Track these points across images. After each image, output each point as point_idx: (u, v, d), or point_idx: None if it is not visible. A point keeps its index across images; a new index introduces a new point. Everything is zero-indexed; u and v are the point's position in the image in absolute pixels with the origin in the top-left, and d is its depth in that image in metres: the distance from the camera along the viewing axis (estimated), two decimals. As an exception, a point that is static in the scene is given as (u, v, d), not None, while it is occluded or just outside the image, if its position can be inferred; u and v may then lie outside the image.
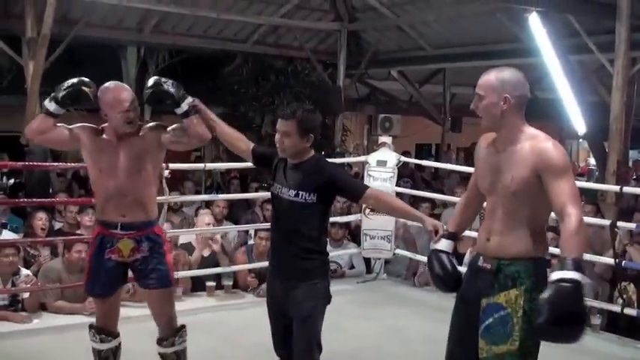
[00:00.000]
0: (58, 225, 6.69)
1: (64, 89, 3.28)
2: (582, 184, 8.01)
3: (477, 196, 2.96)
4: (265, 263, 3.52)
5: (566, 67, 7.69)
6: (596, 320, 5.14)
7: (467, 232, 3.15)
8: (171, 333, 3.51)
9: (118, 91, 3.35)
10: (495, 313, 2.65)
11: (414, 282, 6.40)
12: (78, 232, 6.03)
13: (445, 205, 7.68)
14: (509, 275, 2.66)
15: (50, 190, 8.34)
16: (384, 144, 6.69)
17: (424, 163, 8.15)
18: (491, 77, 2.69)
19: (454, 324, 2.89)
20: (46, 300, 5.08)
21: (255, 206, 7.89)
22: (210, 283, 5.76)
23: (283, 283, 3.20)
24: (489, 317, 2.67)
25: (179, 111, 3.33)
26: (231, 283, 5.87)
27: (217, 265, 5.95)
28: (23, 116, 7.08)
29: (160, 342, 3.52)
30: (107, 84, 3.37)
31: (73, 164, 5.64)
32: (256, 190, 7.99)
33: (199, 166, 6.26)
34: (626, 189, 5.67)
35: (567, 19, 7.48)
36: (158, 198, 5.15)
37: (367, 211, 6.41)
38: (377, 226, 6.40)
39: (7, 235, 6.05)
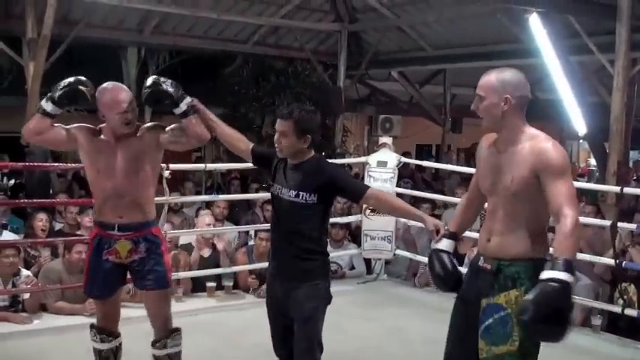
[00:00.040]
0: (58, 226, 6.69)
1: (61, 89, 3.25)
2: (583, 184, 8.05)
3: (479, 197, 2.95)
4: (266, 264, 3.52)
5: (566, 67, 7.69)
6: (596, 321, 5.14)
7: (467, 233, 3.15)
8: (165, 334, 3.48)
9: (115, 92, 3.32)
10: (495, 313, 2.65)
11: (414, 283, 6.40)
12: (78, 232, 6.03)
13: (446, 205, 7.69)
14: (509, 276, 2.66)
15: (50, 191, 8.35)
16: (384, 145, 6.69)
17: (424, 163, 8.14)
18: (491, 78, 2.69)
19: (453, 324, 2.89)
20: (46, 301, 5.08)
21: (256, 207, 7.90)
22: (211, 284, 5.76)
23: (284, 284, 3.19)
24: (489, 318, 2.67)
25: (177, 111, 3.31)
26: (231, 283, 5.87)
27: (218, 265, 5.95)
28: (24, 117, 7.04)
29: (153, 344, 3.50)
30: (105, 84, 3.34)
31: (73, 165, 5.64)
32: (257, 191, 7.99)
33: (200, 166, 6.26)
34: (627, 190, 5.67)
35: (568, 20, 7.49)
36: (158, 199, 5.18)
37: (367, 211, 6.41)
38: (377, 226, 6.40)
39: (8, 235, 6.05)
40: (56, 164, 6.35)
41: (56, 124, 3.34)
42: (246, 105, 10.65)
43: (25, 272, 5.10)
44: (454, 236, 3.03)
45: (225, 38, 10.37)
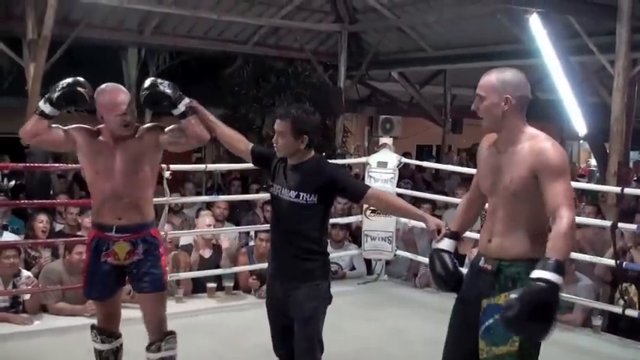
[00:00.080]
0: (59, 226, 6.70)
1: (59, 90, 3.22)
2: (583, 185, 8.06)
3: (479, 197, 2.95)
4: (266, 265, 3.52)
5: (566, 68, 7.69)
6: (597, 321, 5.14)
7: (467, 234, 3.15)
8: (159, 337, 3.44)
9: (114, 94, 3.29)
10: (496, 314, 2.64)
11: (414, 283, 6.39)
12: (79, 233, 6.03)
13: (447, 206, 7.68)
14: (509, 276, 2.66)
15: (51, 192, 8.36)
16: (384, 145, 6.70)
17: (425, 164, 8.15)
18: (492, 78, 2.69)
19: (452, 324, 2.89)
20: (46, 301, 5.08)
21: (256, 207, 7.90)
22: (211, 285, 5.76)
23: (284, 284, 3.19)
24: (490, 318, 2.67)
25: (176, 112, 3.28)
26: (232, 284, 5.87)
27: (218, 266, 5.95)
28: (24, 118, 7.06)
29: (148, 347, 3.47)
30: (103, 86, 3.32)
31: (73, 165, 5.64)
32: (257, 192, 7.99)
33: (200, 167, 6.27)
34: (627, 190, 5.66)
35: (568, 20, 7.49)
36: (159, 199, 5.19)
37: (368, 212, 6.41)
38: (378, 227, 6.40)
39: (8, 236, 6.06)
40: (57, 165, 6.35)
41: (54, 125, 3.31)
42: (246, 106, 10.65)
43: (25, 273, 5.11)
44: (455, 236, 3.03)
45: (226, 39, 10.37)
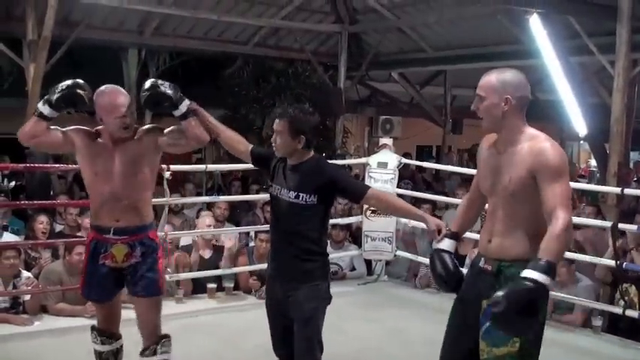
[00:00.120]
0: (59, 227, 6.70)
1: (59, 92, 3.19)
2: (583, 185, 8.06)
3: (480, 198, 2.95)
4: (266, 265, 3.51)
5: (566, 68, 7.68)
6: (597, 322, 5.14)
7: (468, 234, 3.15)
8: (154, 341, 3.41)
9: (114, 96, 3.27)
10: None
11: (415, 284, 6.40)
12: (79, 234, 6.04)
13: (447, 206, 7.68)
14: (509, 277, 2.65)
15: (51, 192, 8.36)
16: (384, 146, 6.70)
17: (425, 164, 8.15)
18: (492, 78, 2.70)
19: (451, 324, 2.90)
20: (47, 302, 5.08)
21: (256, 208, 7.90)
22: (211, 285, 5.76)
23: (283, 285, 3.19)
24: (490, 319, 2.67)
25: (177, 113, 3.26)
26: (232, 285, 5.87)
27: (218, 267, 5.95)
28: (24, 118, 7.06)
29: (142, 352, 3.43)
30: (103, 88, 3.29)
31: (74, 166, 5.64)
32: (257, 192, 8.00)
33: (200, 167, 6.27)
34: (627, 191, 5.66)
35: (568, 21, 7.48)
36: (159, 200, 5.19)
37: (368, 212, 6.41)
38: (378, 227, 6.40)
39: (8, 237, 6.06)
40: (57, 165, 6.36)
41: (52, 127, 3.29)
42: (246, 106, 10.65)
43: (25, 274, 5.11)
44: (456, 236, 3.03)
45: (226, 40, 10.37)
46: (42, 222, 5.90)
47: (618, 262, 4.96)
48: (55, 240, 5.94)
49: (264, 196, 6.75)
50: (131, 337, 3.73)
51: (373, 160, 6.56)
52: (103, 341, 3.53)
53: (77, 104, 3.24)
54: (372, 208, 6.22)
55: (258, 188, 8.31)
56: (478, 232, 3.02)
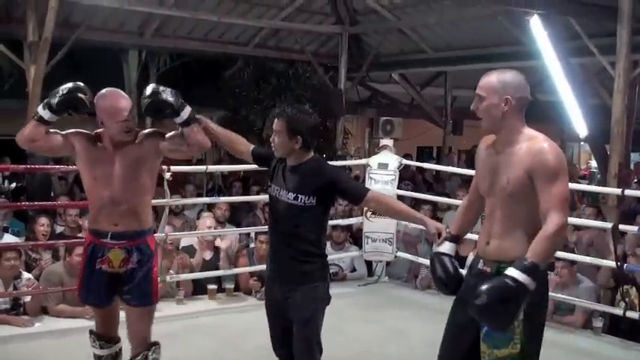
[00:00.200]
0: (59, 228, 6.70)
1: (59, 95, 3.15)
2: (584, 186, 8.06)
3: (479, 199, 2.95)
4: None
5: (567, 69, 7.68)
6: (598, 323, 5.14)
7: (468, 235, 3.15)
8: (144, 348, 3.36)
9: (116, 100, 3.23)
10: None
11: (415, 285, 6.39)
12: (79, 235, 6.03)
13: (449, 207, 7.68)
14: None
15: (52, 194, 8.36)
16: (385, 147, 6.70)
17: (425, 165, 8.15)
18: (492, 79, 2.70)
19: (450, 324, 2.90)
20: (47, 303, 5.08)
21: (257, 209, 7.90)
22: (212, 286, 5.76)
23: (282, 286, 3.19)
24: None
25: (178, 120, 3.21)
26: (232, 286, 5.87)
27: (219, 268, 5.95)
28: (25, 120, 7.08)
29: (132, 359, 3.39)
30: (104, 91, 3.26)
31: (74, 167, 5.64)
32: (257, 193, 8.00)
33: (201, 168, 6.28)
34: (628, 192, 5.67)
35: (568, 22, 7.48)
36: (160, 201, 5.19)
37: (369, 213, 6.41)
38: (378, 228, 6.40)
39: (9, 238, 6.07)
40: (57, 167, 6.36)
41: (52, 130, 3.25)
42: (247, 107, 10.65)
43: (26, 275, 5.11)
44: (456, 239, 3.03)
45: (226, 41, 10.37)
46: (42, 224, 5.90)
47: (619, 263, 4.96)
48: (56, 241, 5.93)
49: (265, 197, 6.76)
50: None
51: (374, 161, 6.56)
52: (101, 345, 3.50)
53: (78, 108, 3.20)
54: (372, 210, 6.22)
55: (258, 189, 8.31)
56: (479, 233, 3.02)
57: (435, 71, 12.04)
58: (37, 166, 6.42)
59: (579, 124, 7.92)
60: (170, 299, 5.54)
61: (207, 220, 6.24)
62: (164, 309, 5.11)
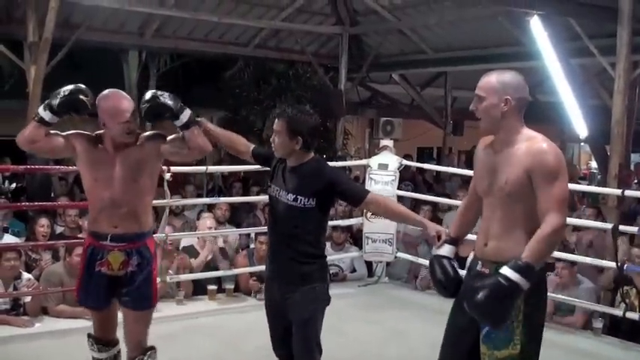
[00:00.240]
0: (59, 229, 6.70)
1: (60, 97, 3.13)
2: (584, 187, 8.06)
3: (478, 200, 2.94)
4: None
5: (567, 70, 7.68)
6: (598, 324, 5.14)
7: (469, 236, 3.15)
8: (139, 352, 3.35)
9: (118, 101, 3.22)
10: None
11: (415, 285, 6.39)
12: (79, 235, 6.03)
13: (450, 208, 7.68)
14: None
15: (52, 194, 8.36)
16: (385, 147, 6.70)
17: (426, 166, 8.16)
18: (492, 79, 2.70)
19: (450, 326, 2.91)
20: (47, 304, 5.08)
21: (257, 209, 7.91)
22: (212, 287, 5.76)
23: (282, 287, 3.19)
24: (492, 326, 2.67)
25: (178, 123, 3.20)
26: (232, 286, 5.87)
27: (218, 268, 5.95)
28: (25, 120, 7.09)
29: None
30: (106, 92, 3.24)
31: (74, 168, 5.65)
32: (257, 194, 8.00)
33: (201, 168, 6.28)
34: (628, 192, 5.67)
35: (569, 23, 7.48)
36: (160, 201, 5.19)
37: (369, 214, 6.41)
38: (378, 229, 6.40)
39: (9, 239, 6.07)
40: (57, 167, 6.35)
41: (52, 131, 3.24)
42: (247, 108, 10.65)
43: (26, 275, 5.11)
44: (455, 241, 3.03)
45: (226, 41, 10.36)
46: (43, 225, 5.90)
47: (619, 264, 4.96)
48: (56, 242, 5.94)
49: (265, 198, 6.76)
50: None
51: (374, 161, 6.56)
52: (99, 349, 3.48)
53: (79, 110, 3.18)
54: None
55: (258, 190, 8.32)
56: (477, 233, 3.02)
57: (435, 72, 12.03)
58: (37, 167, 6.41)
59: (579, 124, 7.92)
60: (170, 300, 5.54)
61: (207, 220, 6.25)
62: (164, 309, 5.11)
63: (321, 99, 10.37)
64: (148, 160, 3.31)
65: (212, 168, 8.09)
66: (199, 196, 8.70)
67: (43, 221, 5.94)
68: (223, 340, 4.87)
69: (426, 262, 5.47)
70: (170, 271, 5.53)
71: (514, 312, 2.61)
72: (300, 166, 3.17)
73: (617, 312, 5.02)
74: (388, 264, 6.68)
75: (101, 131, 3.29)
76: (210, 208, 7.26)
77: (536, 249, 2.54)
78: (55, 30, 7.57)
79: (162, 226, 5.53)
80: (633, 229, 5.24)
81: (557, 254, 5.18)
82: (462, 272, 3.03)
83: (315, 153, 3.24)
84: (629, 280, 5.27)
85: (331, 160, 7.21)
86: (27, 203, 7.44)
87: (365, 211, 6.35)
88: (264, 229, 6.04)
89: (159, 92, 3.22)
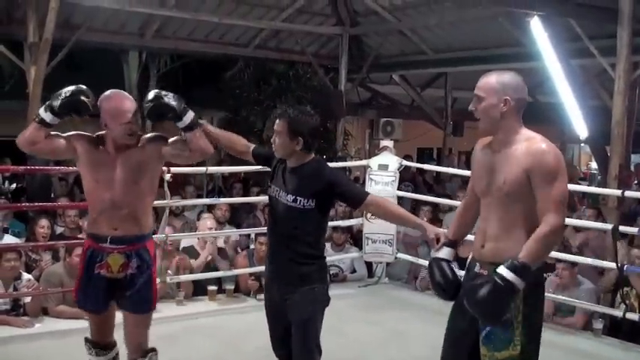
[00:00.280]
0: (59, 229, 6.70)
1: (62, 98, 3.10)
2: (584, 188, 8.05)
3: (476, 201, 2.94)
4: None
5: (567, 71, 7.68)
6: (598, 325, 5.14)
7: (469, 236, 3.14)
8: (139, 355, 3.33)
9: (120, 101, 3.20)
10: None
11: (415, 286, 6.39)
12: (79, 236, 6.03)
13: (450, 208, 7.67)
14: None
15: (52, 195, 8.36)
16: (385, 148, 6.70)
17: (426, 167, 8.15)
18: (491, 79, 2.71)
19: (450, 328, 2.91)
20: (47, 304, 5.08)
21: (257, 210, 7.91)
22: (212, 287, 5.76)
23: (281, 288, 3.19)
24: (489, 325, 2.67)
25: (181, 125, 3.17)
26: (232, 287, 5.87)
27: (219, 269, 5.95)
28: (25, 121, 7.09)
29: None
30: (109, 92, 3.23)
31: (74, 168, 5.64)
32: (258, 194, 8.00)
33: (201, 169, 6.27)
34: (628, 193, 5.66)
35: (569, 24, 7.48)
36: (160, 202, 5.19)
37: (369, 215, 6.40)
38: (378, 229, 6.39)
39: (9, 239, 6.07)
40: (57, 168, 6.34)
41: (53, 133, 3.21)
42: (247, 108, 10.66)
43: (26, 276, 5.11)
44: (453, 244, 3.03)
45: (227, 42, 10.36)
46: (43, 226, 5.90)
47: (619, 264, 4.96)
48: (56, 242, 5.94)
49: (265, 198, 6.76)
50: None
51: (374, 162, 6.56)
52: (97, 353, 3.45)
53: (80, 111, 3.15)
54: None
55: (258, 190, 8.32)
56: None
57: (435, 72, 12.03)
58: (37, 167, 6.42)
59: (580, 125, 7.93)
60: (170, 300, 5.54)
61: (207, 221, 6.25)
62: (164, 310, 5.11)
63: (321, 100, 10.37)
64: (149, 162, 3.29)
65: (212, 169, 8.08)
66: (199, 196, 8.70)
67: (43, 222, 5.94)
68: (223, 340, 4.87)
69: (426, 263, 5.46)
70: (169, 271, 5.53)
71: (513, 313, 2.61)
72: (300, 166, 3.16)
73: (618, 313, 5.02)
74: (388, 265, 6.68)
75: (102, 132, 3.27)
76: (210, 208, 7.26)
77: (534, 249, 2.55)
78: (55, 30, 7.57)
79: (162, 227, 5.53)
80: (633, 229, 5.23)
81: (557, 255, 5.19)
82: (462, 273, 3.03)
83: (316, 154, 3.24)
84: (629, 282, 5.26)
85: (331, 161, 7.21)
86: (27, 204, 7.45)
87: (365, 212, 6.35)
88: (264, 229, 6.06)
89: (163, 92, 3.19)
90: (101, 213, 3.26)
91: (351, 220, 6.94)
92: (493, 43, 9.09)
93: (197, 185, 9.11)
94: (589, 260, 5.39)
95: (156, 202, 4.21)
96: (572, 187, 4.79)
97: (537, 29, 7.43)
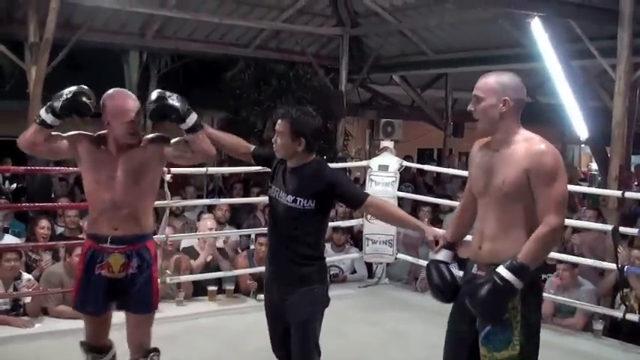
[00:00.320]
0: (59, 229, 6.70)
1: (63, 100, 3.08)
2: (584, 189, 8.05)
3: (474, 201, 2.93)
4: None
5: (568, 72, 7.68)
6: (598, 325, 5.14)
7: (468, 237, 3.14)
8: (142, 355, 3.31)
9: (123, 100, 3.18)
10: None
11: (415, 286, 6.39)
12: (79, 236, 6.03)
13: (450, 209, 7.67)
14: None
15: (52, 195, 8.36)
16: (385, 149, 6.70)
17: (426, 167, 8.15)
18: (490, 80, 2.71)
19: (450, 330, 2.91)
20: (47, 304, 5.08)
21: (257, 210, 7.91)
22: (212, 288, 5.76)
23: (280, 289, 3.18)
24: (488, 325, 2.67)
25: (184, 126, 3.15)
26: (232, 287, 5.87)
27: (219, 269, 5.95)
28: (26, 121, 7.09)
29: None
30: (112, 91, 3.21)
31: (75, 169, 5.63)
32: (258, 195, 8.00)
33: (201, 170, 6.27)
34: (628, 194, 5.66)
35: (569, 25, 7.48)
36: (160, 202, 5.18)
37: (369, 215, 6.40)
38: (379, 230, 6.39)
39: (9, 239, 6.07)
40: (58, 168, 6.35)
41: (54, 133, 3.19)
42: (247, 109, 10.66)
43: (26, 276, 5.11)
44: (452, 246, 3.03)
45: (227, 42, 10.37)
46: (43, 227, 5.89)
47: (619, 265, 4.96)
48: (56, 242, 5.94)
49: (265, 199, 6.75)
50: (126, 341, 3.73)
51: (374, 163, 6.56)
52: (94, 357, 3.42)
53: (81, 112, 3.13)
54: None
55: (259, 191, 8.32)
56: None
57: (435, 73, 12.04)
58: (37, 168, 6.42)
59: (580, 126, 7.93)
60: (170, 300, 5.53)
61: (207, 221, 6.25)
62: (164, 310, 5.10)
63: (321, 100, 10.36)
64: (151, 162, 3.27)
65: (212, 169, 8.08)
66: (200, 197, 8.71)
67: (44, 222, 5.94)
68: (223, 340, 4.87)
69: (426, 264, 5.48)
70: (168, 271, 5.52)
71: (512, 313, 2.61)
72: (300, 167, 3.16)
73: (618, 314, 5.02)
74: (388, 265, 6.68)
75: (104, 131, 3.26)
76: (210, 209, 7.26)
77: (532, 249, 2.56)
78: (55, 30, 7.57)
79: (162, 227, 5.53)
80: (634, 230, 5.23)
81: (557, 256, 5.19)
82: (462, 274, 3.03)
83: (316, 154, 3.24)
84: (629, 283, 5.26)
85: (332, 162, 7.21)
86: (27, 204, 7.45)
87: (365, 212, 6.36)
88: (265, 230, 6.06)
89: (167, 93, 3.17)
90: (101, 213, 3.25)
91: (352, 220, 6.94)
92: (493, 44, 9.10)
93: (197, 186, 9.12)
94: (589, 261, 5.39)
95: (156, 203, 4.21)
96: (572, 188, 4.80)
97: (538, 30, 7.43)
